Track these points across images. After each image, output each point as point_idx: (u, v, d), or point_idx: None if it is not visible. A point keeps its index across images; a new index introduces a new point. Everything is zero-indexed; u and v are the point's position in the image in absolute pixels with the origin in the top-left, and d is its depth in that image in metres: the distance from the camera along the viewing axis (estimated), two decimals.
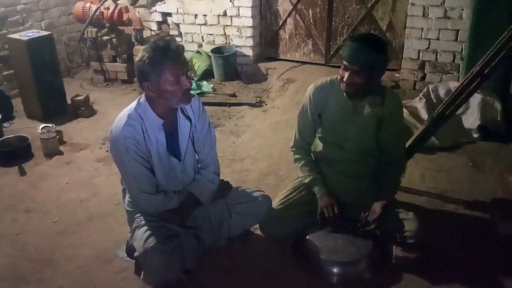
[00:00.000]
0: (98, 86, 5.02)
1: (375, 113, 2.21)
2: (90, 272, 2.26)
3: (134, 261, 2.18)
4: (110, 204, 2.82)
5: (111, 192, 2.93)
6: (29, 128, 3.81)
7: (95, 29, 4.88)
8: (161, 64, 1.87)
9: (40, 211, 2.79)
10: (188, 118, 2.10)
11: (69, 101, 4.29)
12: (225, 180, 2.36)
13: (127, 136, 1.95)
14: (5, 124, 3.92)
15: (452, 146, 3.35)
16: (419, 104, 3.65)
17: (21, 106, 4.19)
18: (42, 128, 3.52)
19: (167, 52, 1.87)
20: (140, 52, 1.94)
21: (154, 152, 2.03)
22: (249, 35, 4.88)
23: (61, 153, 3.53)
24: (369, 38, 2.09)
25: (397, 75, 4.43)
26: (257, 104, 4.38)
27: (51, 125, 3.59)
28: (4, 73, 4.49)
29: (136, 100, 2.04)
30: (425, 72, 4.25)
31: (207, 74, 4.98)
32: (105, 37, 4.84)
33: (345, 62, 2.07)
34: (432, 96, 3.72)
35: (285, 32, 4.95)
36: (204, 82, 4.85)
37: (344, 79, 2.09)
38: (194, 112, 2.12)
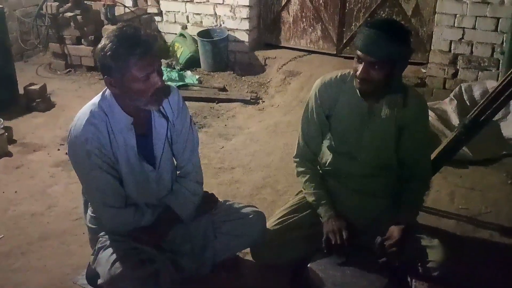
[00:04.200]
0: (57, 73, 5.01)
1: (395, 117, 2.23)
2: None
3: None
4: (68, 220, 2.82)
5: (70, 205, 2.93)
6: None
7: (56, 3, 4.89)
8: (125, 60, 1.85)
9: None
10: (165, 115, 2.10)
11: (21, 91, 4.27)
12: (210, 192, 2.37)
13: (88, 138, 1.95)
14: None
15: (488, 159, 3.38)
16: (449, 107, 3.68)
17: None
18: None
19: (135, 45, 1.85)
20: (103, 39, 1.91)
21: (122, 158, 2.03)
22: (245, 16, 4.90)
23: (10, 154, 3.52)
24: (388, 24, 2.10)
25: (423, 70, 4.46)
26: (252, 101, 4.40)
27: None
28: None
29: (101, 93, 2.04)
30: (458, 68, 4.29)
31: (192, 63, 4.99)
32: (68, 14, 4.83)
33: (359, 53, 2.08)
34: (465, 97, 3.75)
35: (288, 14, 4.98)
36: (188, 72, 4.86)
37: (357, 73, 2.11)
38: (173, 108, 2.12)
